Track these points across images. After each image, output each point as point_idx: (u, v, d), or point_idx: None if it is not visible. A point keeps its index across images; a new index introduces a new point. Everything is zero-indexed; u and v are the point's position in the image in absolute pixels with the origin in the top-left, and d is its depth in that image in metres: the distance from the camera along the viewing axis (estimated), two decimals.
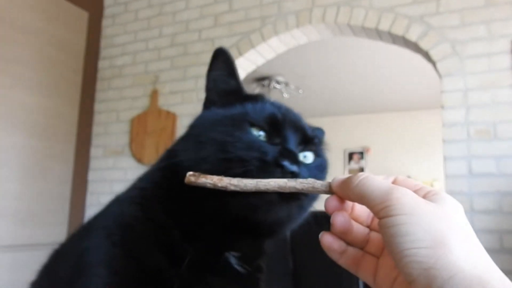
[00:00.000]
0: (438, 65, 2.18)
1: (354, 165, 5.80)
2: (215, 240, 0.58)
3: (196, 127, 0.64)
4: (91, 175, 3.00)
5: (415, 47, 2.31)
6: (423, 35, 2.23)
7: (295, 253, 2.76)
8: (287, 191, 0.50)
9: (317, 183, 0.49)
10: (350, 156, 5.84)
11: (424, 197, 0.42)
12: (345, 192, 0.46)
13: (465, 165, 2.04)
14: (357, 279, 2.30)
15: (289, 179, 0.52)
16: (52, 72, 2.78)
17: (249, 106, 0.62)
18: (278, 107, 0.63)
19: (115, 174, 2.92)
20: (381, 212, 0.40)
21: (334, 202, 0.47)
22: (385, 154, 5.58)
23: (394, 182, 0.47)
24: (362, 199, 0.43)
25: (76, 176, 2.91)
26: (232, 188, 0.51)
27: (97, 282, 0.53)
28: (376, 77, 4.55)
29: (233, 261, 0.58)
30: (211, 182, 0.51)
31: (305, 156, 0.61)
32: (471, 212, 1.98)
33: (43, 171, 2.69)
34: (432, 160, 5.14)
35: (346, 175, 0.47)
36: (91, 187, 2.99)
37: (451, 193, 2.03)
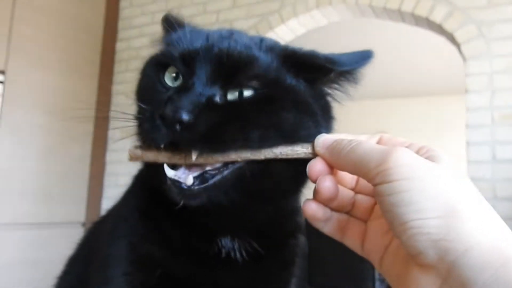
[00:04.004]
0: (463, 47, 2.12)
1: None
2: (200, 227, 0.52)
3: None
4: (109, 156, 3.02)
5: (439, 29, 2.24)
6: (448, 16, 2.16)
7: (310, 238, 2.77)
8: (262, 157, 0.44)
9: (297, 146, 0.43)
10: None
11: (418, 154, 0.37)
12: (334, 159, 0.40)
13: (488, 150, 1.99)
14: (372, 268, 2.29)
15: None
16: (70, 52, 2.79)
17: (166, 48, 0.53)
18: (207, 35, 0.50)
19: None
20: (377, 178, 0.35)
21: (319, 166, 0.42)
22: None
23: (379, 142, 0.42)
24: (355, 166, 0.38)
25: (94, 157, 2.93)
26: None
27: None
28: (395, 61, 4.46)
29: (229, 246, 0.52)
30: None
31: (238, 93, 0.46)
32: (493, 199, 1.94)
33: (62, 151, 2.72)
34: (451, 147, 5.06)
35: (332, 136, 0.42)
36: (109, 168, 3.01)
37: (474, 179, 1.99)
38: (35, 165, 2.56)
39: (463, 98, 2.12)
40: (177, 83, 0.48)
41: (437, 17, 2.18)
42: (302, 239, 0.60)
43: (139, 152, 0.47)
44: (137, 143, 0.50)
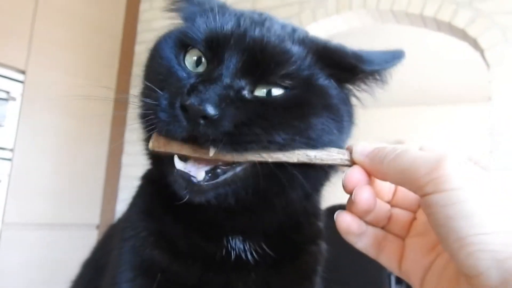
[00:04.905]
0: (487, 53, 2.06)
1: None
2: (206, 226, 0.49)
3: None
4: (125, 159, 3.02)
5: (462, 34, 2.19)
6: (471, 22, 2.11)
7: None
8: (295, 160, 0.40)
9: (333, 151, 0.40)
10: None
11: None
12: (376, 166, 0.37)
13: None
14: (388, 273, 2.23)
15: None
16: (89, 54, 2.81)
17: (198, 21, 0.47)
18: (238, 17, 0.46)
19: None
20: (428, 186, 0.31)
21: (357, 174, 0.38)
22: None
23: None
24: (401, 174, 0.34)
25: (111, 159, 2.94)
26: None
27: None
28: (416, 68, 4.40)
29: (239, 248, 0.49)
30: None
31: (267, 90, 0.43)
32: None
33: (79, 152, 2.73)
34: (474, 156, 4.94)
35: (370, 143, 0.39)
36: (125, 171, 3.01)
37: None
38: (52, 166, 2.57)
39: (486, 106, 2.06)
40: (200, 68, 0.45)
41: (460, 22, 2.13)
42: (324, 246, 0.56)
43: (162, 140, 0.43)
44: (143, 133, 0.48)
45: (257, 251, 0.49)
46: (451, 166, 0.31)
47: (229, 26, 0.44)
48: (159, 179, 0.50)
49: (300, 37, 0.48)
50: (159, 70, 0.45)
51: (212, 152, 0.41)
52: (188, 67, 0.45)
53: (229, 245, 0.49)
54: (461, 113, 5.22)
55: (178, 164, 0.42)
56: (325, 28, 2.61)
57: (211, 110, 0.38)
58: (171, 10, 0.56)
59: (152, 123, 0.42)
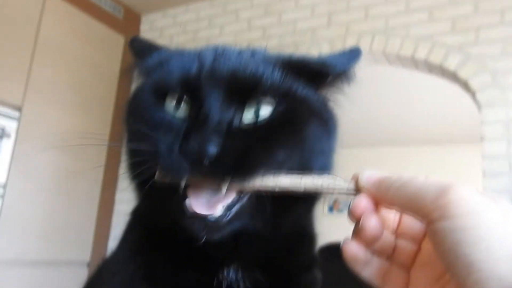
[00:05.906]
0: (478, 95, 2.10)
1: None
2: (200, 259, 0.48)
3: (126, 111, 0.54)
4: (119, 195, 3.00)
5: (453, 77, 2.24)
6: (462, 64, 2.16)
7: None
8: (302, 189, 0.40)
9: (339, 180, 0.40)
10: None
11: None
12: (382, 194, 0.37)
13: (507, 199, 1.93)
14: None
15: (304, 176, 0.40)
16: (85, 94, 2.84)
17: (167, 67, 0.49)
18: (198, 57, 0.47)
19: None
20: (435, 213, 0.31)
21: (364, 202, 0.38)
22: None
23: None
24: (407, 201, 0.34)
25: (104, 196, 2.91)
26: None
27: None
28: (407, 108, 4.47)
29: (232, 278, 0.48)
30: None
31: (254, 112, 0.44)
32: None
33: (72, 190, 2.71)
34: None
35: (377, 172, 0.39)
36: (118, 207, 2.99)
37: None
38: (44, 202, 2.55)
39: (479, 146, 2.08)
40: (181, 112, 0.46)
41: (451, 64, 2.18)
42: (318, 275, 0.54)
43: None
44: (136, 181, 0.49)
45: (250, 280, 0.49)
46: (457, 193, 0.31)
47: (193, 65, 0.46)
48: (155, 217, 0.50)
49: (261, 56, 0.49)
50: (144, 121, 0.46)
51: (224, 189, 0.41)
52: (171, 113, 0.46)
53: (221, 276, 0.48)
54: (452, 153, 5.26)
55: (192, 205, 0.42)
56: None
57: (213, 150, 0.39)
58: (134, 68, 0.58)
59: (150, 170, 0.43)
